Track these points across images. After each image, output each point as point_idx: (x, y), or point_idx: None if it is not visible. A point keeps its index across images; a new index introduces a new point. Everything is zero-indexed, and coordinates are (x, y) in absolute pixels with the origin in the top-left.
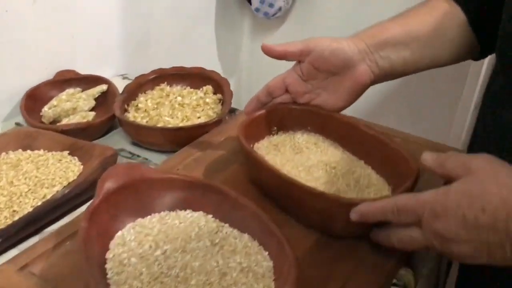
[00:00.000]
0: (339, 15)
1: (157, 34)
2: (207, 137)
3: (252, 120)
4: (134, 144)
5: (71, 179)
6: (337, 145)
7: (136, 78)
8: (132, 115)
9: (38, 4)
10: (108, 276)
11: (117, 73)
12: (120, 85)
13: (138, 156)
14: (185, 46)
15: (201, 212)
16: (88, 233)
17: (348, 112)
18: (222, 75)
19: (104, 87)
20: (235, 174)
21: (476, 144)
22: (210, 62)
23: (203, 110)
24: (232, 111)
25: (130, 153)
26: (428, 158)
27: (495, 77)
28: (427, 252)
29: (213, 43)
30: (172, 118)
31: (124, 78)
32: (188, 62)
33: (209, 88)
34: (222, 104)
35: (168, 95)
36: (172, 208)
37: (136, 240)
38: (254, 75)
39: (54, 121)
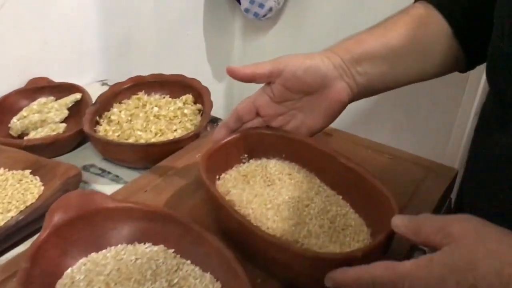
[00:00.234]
0: (332, 15)
1: (140, 36)
2: (183, 153)
3: (219, 148)
4: (106, 159)
5: (29, 203)
6: (313, 176)
7: (111, 86)
8: (103, 129)
9: (6, 8)
10: None
11: (96, 78)
12: (99, 92)
13: (109, 173)
14: (172, 49)
15: (161, 246)
16: (29, 274)
17: (343, 116)
18: (213, 79)
19: (78, 96)
20: (205, 200)
21: (470, 162)
22: (200, 66)
23: (180, 122)
24: (215, 121)
25: (101, 169)
26: (399, 224)
27: (488, 96)
28: None
29: (202, 46)
30: (146, 132)
31: (103, 84)
32: (176, 66)
33: (189, 97)
34: (201, 115)
35: (144, 105)
36: (130, 241)
37: (85, 279)
38: None
39: (23, 134)
